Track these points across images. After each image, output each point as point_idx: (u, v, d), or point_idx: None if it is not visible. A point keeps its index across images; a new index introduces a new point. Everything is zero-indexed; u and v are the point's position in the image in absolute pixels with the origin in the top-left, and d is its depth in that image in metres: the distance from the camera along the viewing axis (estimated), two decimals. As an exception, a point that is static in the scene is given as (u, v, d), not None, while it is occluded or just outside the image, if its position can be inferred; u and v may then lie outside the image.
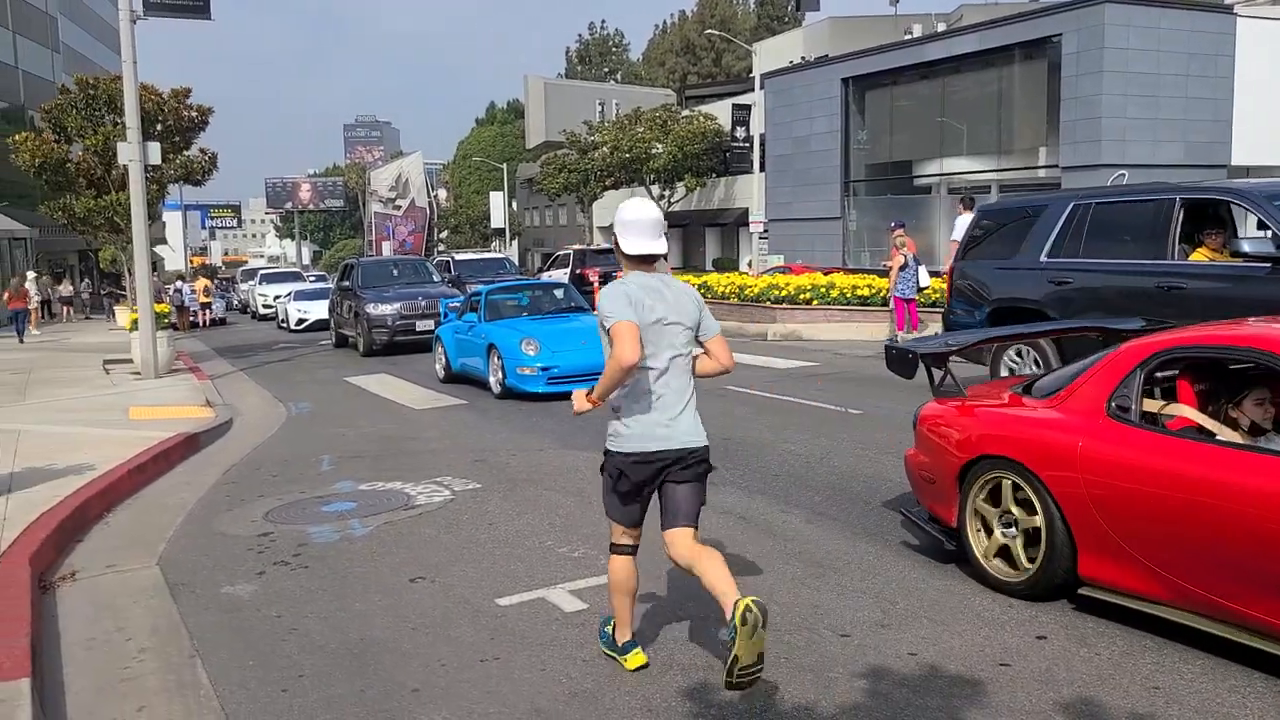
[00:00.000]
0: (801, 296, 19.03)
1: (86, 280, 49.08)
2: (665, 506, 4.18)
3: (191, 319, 33.03)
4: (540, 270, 38.06)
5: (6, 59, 42.98)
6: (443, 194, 76.34)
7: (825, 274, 21.29)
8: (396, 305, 19.13)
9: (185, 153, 20.61)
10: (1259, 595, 3.93)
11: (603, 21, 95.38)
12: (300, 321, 28.09)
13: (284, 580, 5.82)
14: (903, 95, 29.67)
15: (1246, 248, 7.99)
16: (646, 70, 76.34)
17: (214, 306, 35.41)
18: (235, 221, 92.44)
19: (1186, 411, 4.65)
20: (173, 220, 62.27)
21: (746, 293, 20.43)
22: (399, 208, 63.63)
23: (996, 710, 3.84)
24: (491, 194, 68.20)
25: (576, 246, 33.90)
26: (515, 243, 68.08)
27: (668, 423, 4.09)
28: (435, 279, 22.11)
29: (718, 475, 7.89)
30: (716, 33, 53.35)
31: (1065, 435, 4.71)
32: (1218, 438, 4.44)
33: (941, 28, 33.97)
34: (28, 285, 29.07)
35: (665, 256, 4.22)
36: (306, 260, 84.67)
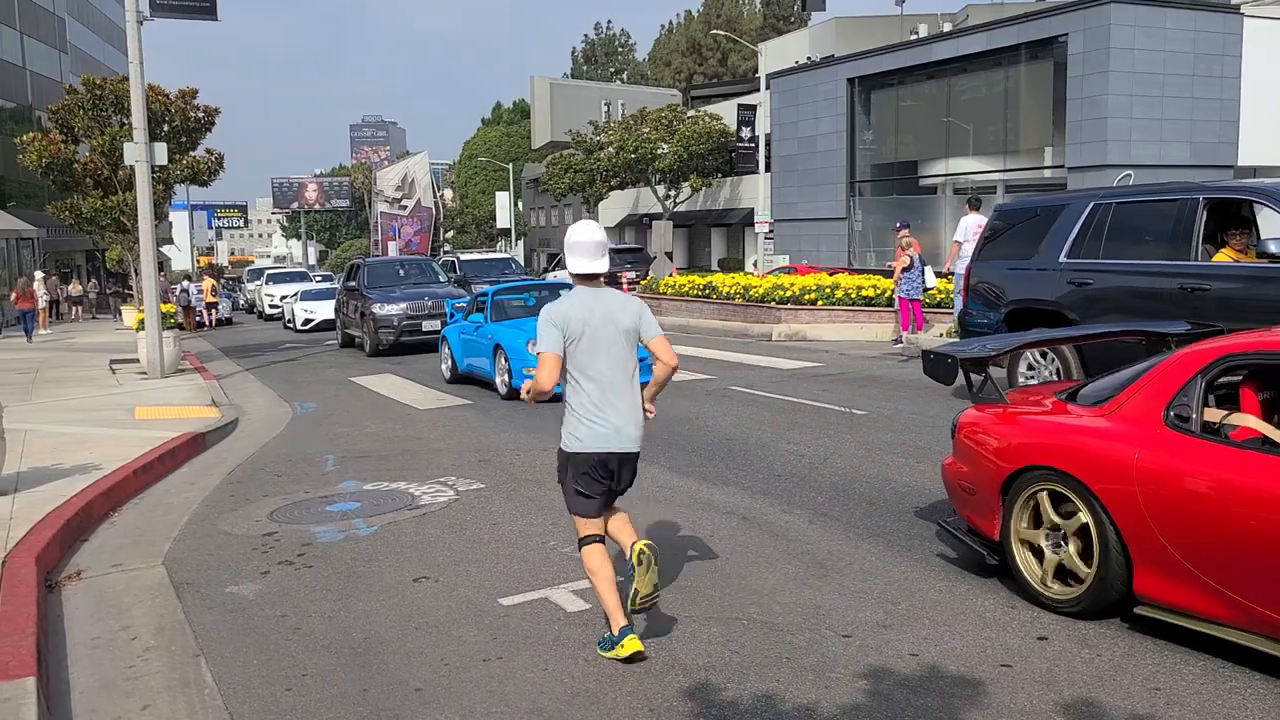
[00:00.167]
0: (806, 297, 19.02)
1: (94, 280, 49.26)
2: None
3: (198, 319, 33.11)
4: (546, 271, 38.10)
5: (14, 59, 43.15)
6: (448, 194, 76.51)
7: (830, 274, 21.28)
8: (403, 305, 19.15)
9: (192, 153, 20.69)
10: None
11: (608, 21, 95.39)
12: (306, 321, 28.13)
13: (288, 580, 5.85)
14: (908, 95, 29.64)
15: (1273, 248, 7.79)
16: (652, 70, 76.33)
17: (220, 306, 35.49)
18: (242, 221, 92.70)
19: (1252, 422, 4.42)
20: (179, 220, 62.47)
21: (751, 293, 20.42)
22: (405, 208, 63.78)
23: (997, 711, 3.85)
24: (497, 194, 68.30)
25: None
26: (521, 243, 68.13)
27: (610, 423, 4.52)
28: (441, 279, 22.15)
29: (721, 475, 7.93)
30: (722, 33, 53.30)
31: (1120, 446, 4.48)
32: None
33: (947, 28, 33.98)
34: (35, 286, 29.19)
35: (605, 276, 4.63)
36: (312, 260, 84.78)
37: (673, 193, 44.05)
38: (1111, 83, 23.06)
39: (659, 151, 42.22)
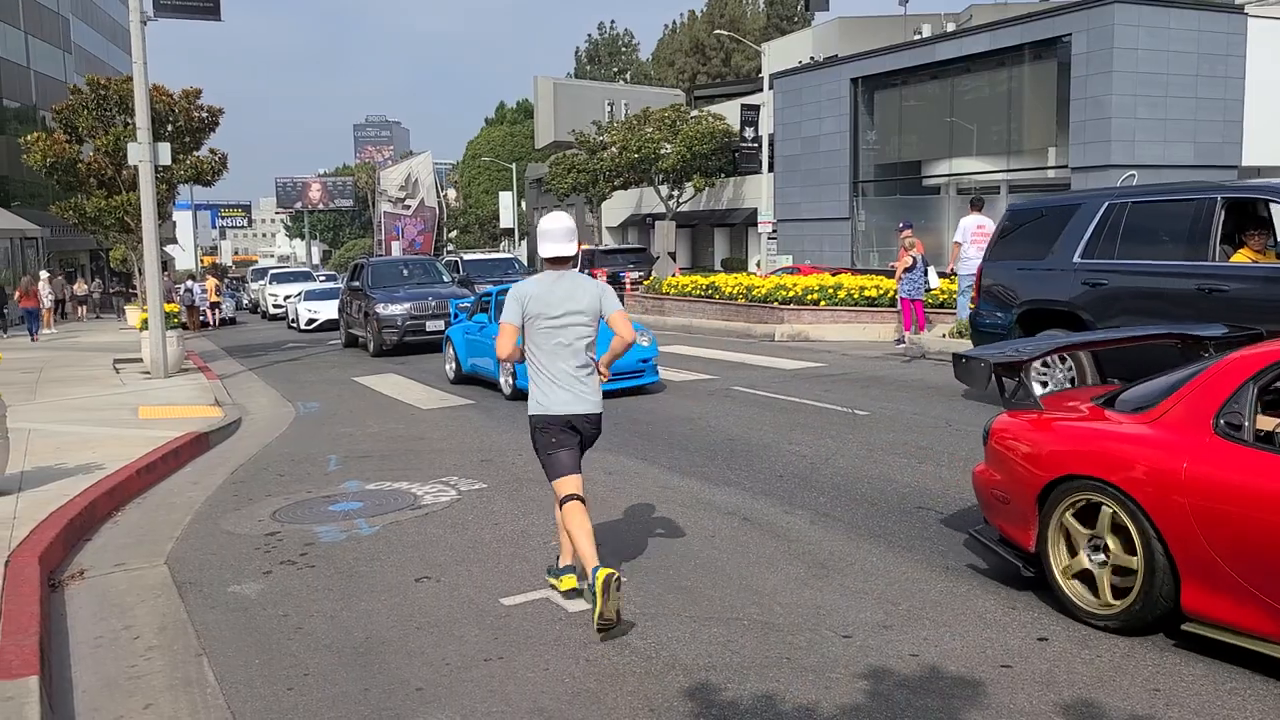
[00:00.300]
0: (809, 297, 19.04)
1: (98, 280, 49.36)
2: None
3: (201, 318, 33.17)
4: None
5: (19, 59, 43.27)
6: (452, 194, 76.48)
7: (833, 274, 21.28)
8: (407, 305, 19.16)
9: (195, 153, 20.75)
10: None
11: (612, 21, 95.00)
12: (310, 321, 28.16)
13: (290, 579, 5.86)
14: (912, 95, 29.62)
15: None
16: (656, 70, 76.31)
17: (224, 306, 35.54)
18: (245, 221, 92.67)
19: None
20: (183, 220, 62.47)
21: (754, 293, 20.43)
22: (408, 207, 63.77)
23: (997, 711, 3.85)
24: (500, 194, 68.32)
25: (585, 246, 33.94)
26: (524, 243, 68.14)
27: (569, 390, 5.08)
28: (445, 279, 22.16)
29: (723, 475, 7.94)
30: (725, 33, 53.31)
31: (1166, 455, 4.30)
32: None
33: (950, 28, 33.94)
34: (40, 285, 29.25)
35: (575, 261, 5.20)
36: (316, 260, 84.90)
37: (676, 193, 44.04)
38: (1115, 83, 23.04)
39: (662, 151, 42.21)
